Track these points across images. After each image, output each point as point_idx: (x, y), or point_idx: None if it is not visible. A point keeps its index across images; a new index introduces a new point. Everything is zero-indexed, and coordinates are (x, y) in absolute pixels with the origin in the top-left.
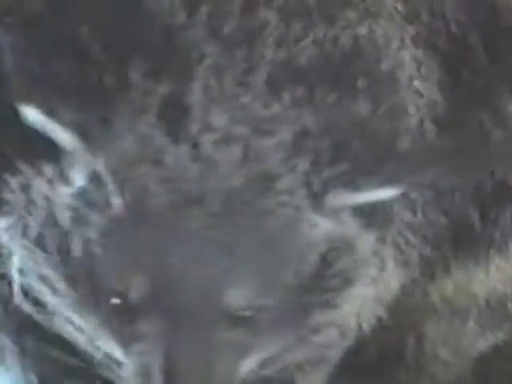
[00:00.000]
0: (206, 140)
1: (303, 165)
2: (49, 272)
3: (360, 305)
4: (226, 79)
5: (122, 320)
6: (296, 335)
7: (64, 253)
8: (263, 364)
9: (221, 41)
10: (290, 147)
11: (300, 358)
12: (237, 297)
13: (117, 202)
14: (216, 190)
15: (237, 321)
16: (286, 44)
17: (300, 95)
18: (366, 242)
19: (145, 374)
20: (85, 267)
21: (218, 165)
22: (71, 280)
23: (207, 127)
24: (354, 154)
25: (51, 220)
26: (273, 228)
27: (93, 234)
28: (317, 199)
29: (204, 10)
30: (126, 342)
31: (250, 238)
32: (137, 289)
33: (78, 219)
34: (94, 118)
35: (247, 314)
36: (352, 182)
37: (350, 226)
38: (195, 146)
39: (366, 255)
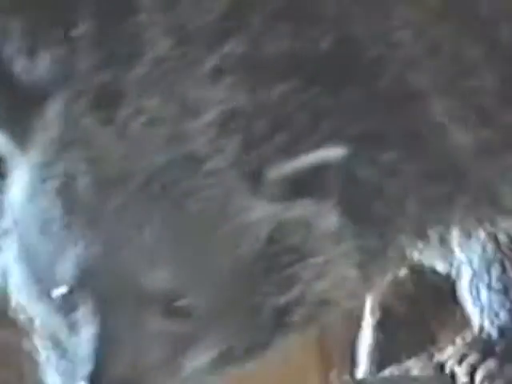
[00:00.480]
0: (135, 121)
1: (233, 145)
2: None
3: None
4: (166, 68)
5: (65, 310)
6: (258, 320)
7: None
8: (228, 354)
9: (181, 36)
10: (218, 127)
11: (283, 342)
12: (160, 281)
13: (48, 190)
14: (139, 169)
15: (171, 310)
16: (256, 41)
17: (238, 81)
18: (325, 219)
19: (75, 363)
20: (37, 261)
21: (144, 144)
22: (31, 272)
23: (138, 110)
24: (290, 123)
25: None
26: (197, 210)
27: (35, 228)
28: (252, 180)
29: (182, 8)
30: (70, 333)
31: (171, 220)
32: (68, 276)
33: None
34: (28, 111)
35: (183, 302)
36: (289, 151)
37: (304, 208)
38: (123, 127)
39: (324, 231)
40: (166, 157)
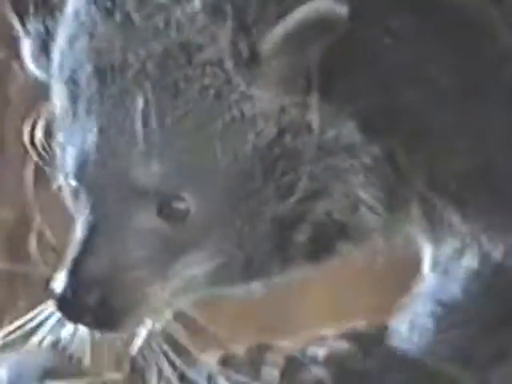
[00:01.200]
0: (134, 11)
1: (227, 32)
2: None
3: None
4: None
5: (73, 199)
6: (258, 232)
7: None
8: (225, 270)
9: None
10: (210, 14)
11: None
12: (154, 176)
13: (61, 81)
14: (136, 58)
15: (166, 210)
16: None
17: None
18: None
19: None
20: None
21: (142, 33)
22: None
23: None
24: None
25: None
26: (194, 99)
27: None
28: (250, 67)
29: None
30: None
31: (167, 109)
32: (69, 168)
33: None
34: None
35: (178, 204)
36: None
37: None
38: (124, 17)
39: (332, 140)
40: (162, 45)
